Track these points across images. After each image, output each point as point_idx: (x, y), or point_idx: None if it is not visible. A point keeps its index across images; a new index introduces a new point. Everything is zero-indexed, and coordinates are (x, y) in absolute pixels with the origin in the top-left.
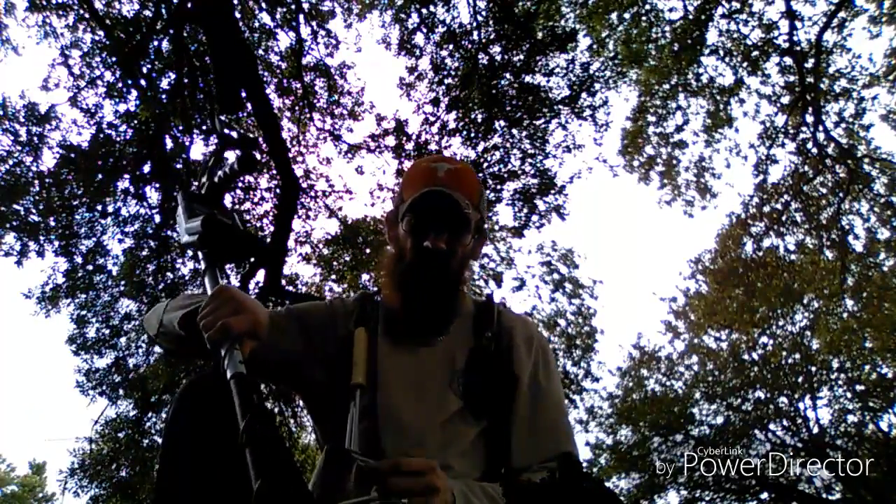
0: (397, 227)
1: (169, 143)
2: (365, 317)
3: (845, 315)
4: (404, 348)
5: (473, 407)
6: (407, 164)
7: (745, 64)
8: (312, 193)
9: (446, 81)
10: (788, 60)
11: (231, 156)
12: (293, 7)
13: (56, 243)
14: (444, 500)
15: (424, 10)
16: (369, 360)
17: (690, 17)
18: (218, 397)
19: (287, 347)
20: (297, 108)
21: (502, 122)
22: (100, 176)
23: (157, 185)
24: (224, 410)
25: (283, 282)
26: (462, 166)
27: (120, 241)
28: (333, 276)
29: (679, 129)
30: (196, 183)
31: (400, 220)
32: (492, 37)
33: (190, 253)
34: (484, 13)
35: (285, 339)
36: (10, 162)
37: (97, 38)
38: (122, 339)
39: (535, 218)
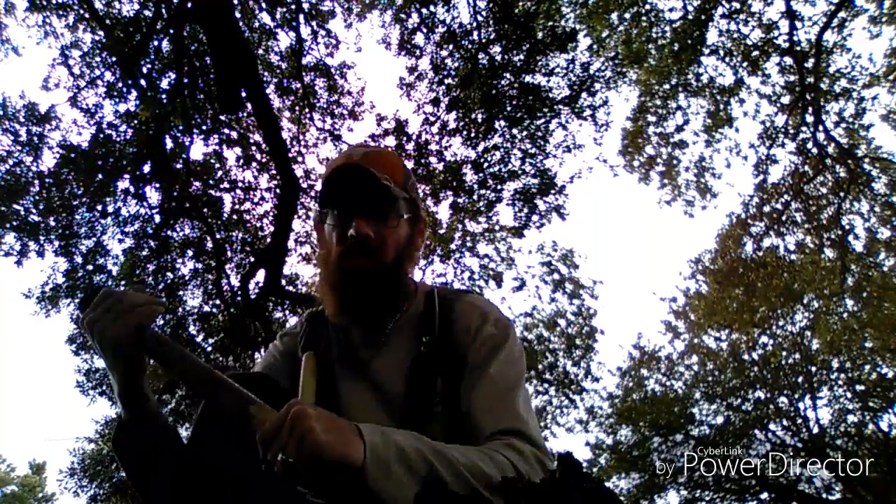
0: (323, 227)
1: (169, 143)
2: (314, 339)
3: (845, 315)
4: (356, 364)
5: (419, 425)
6: (409, 165)
7: (745, 64)
8: (312, 193)
9: (446, 81)
10: (788, 60)
11: None
12: (293, 7)
13: (56, 243)
14: (325, 427)
15: (424, 10)
16: (324, 384)
17: (690, 17)
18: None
19: None
20: (297, 108)
21: (502, 122)
22: (100, 176)
23: (157, 185)
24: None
25: (283, 282)
26: (381, 150)
27: (120, 241)
28: None
29: (679, 129)
30: None
31: (322, 221)
32: (492, 37)
33: (190, 253)
34: (484, 13)
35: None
36: (10, 162)
37: (97, 38)
38: None
39: (535, 218)
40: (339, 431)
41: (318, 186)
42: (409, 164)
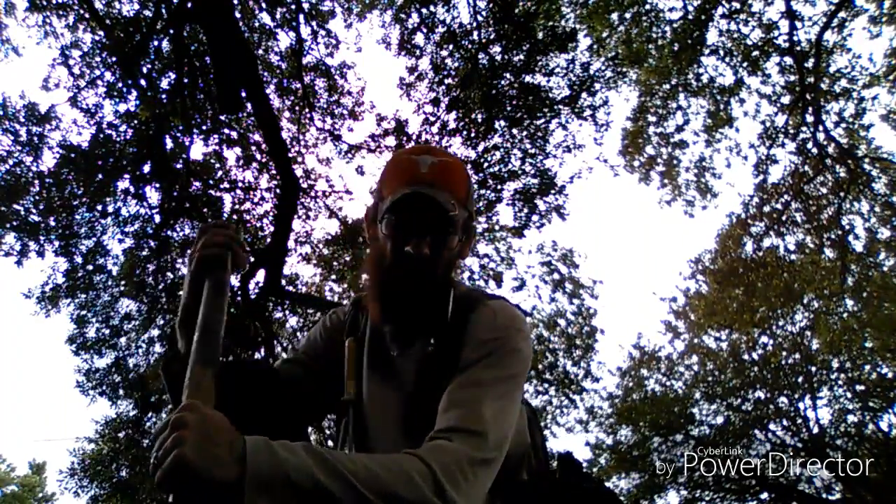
0: (377, 227)
1: (169, 143)
2: (355, 325)
3: (845, 315)
4: (384, 359)
5: (425, 425)
6: None
7: (745, 64)
8: (312, 193)
9: (446, 81)
10: (788, 60)
11: None
12: (293, 7)
13: (56, 243)
14: (199, 440)
15: (424, 10)
16: (357, 372)
17: (690, 17)
18: (248, 384)
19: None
20: (297, 108)
21: (502, 122)
22: (100, 176)
23: (157, 185)
24: (253, 397)
25: (283, 282)
26: (448, 159)
27: (120, 241)
28: (333, 276)
29: (679, 129)
30: None
31: (379, 220)
32: (492, 37)
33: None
34: (484, 13)
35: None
36: (10, 162)
37: (97, 38)
38: (122, 339)
39: (535, 218)
40: (213, 447)
41: (382, 176)
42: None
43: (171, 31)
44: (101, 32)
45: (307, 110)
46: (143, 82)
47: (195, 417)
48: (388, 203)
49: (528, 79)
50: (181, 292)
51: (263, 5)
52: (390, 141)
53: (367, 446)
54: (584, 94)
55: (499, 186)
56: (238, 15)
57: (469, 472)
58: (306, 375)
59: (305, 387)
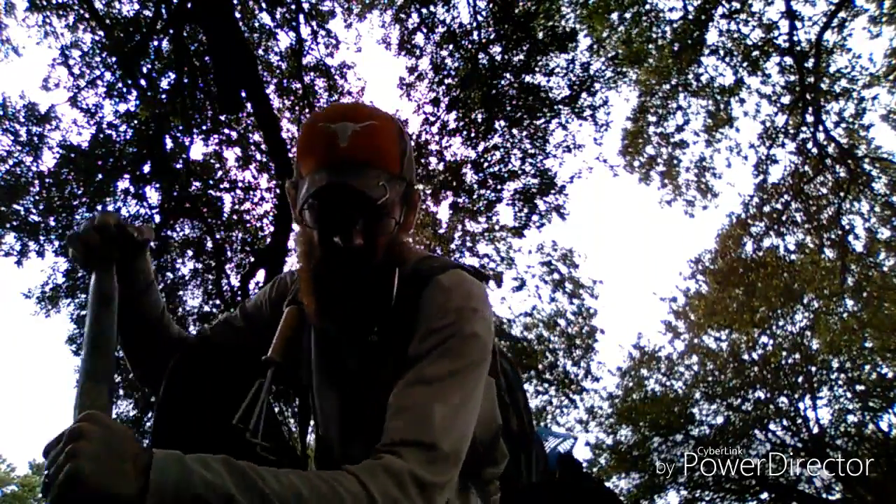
0: (300, 212)
1: (169, 143)
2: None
3: (845, 315)
4: (329, 350)
5: (368, 417)
6: None
7: (745, 64)
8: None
9: (446, 81)
10: (788, 60)
11: None
12: (293, 7)
13: (56, 243)
14: (96, 454)
15: (424, 10)
16: (291, 339)
17: (690, 17)
18: (211, 365)
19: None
20: (297, 108)
21: (502, 122)
22: (100, 176)
23: (157, 185)
24: (217, 378)
25: None
26: (373, 120)
27: None
28: None
29: (679, 129)
30: None
31: (301, 207)
32: (492, 37)
33: (190, 253)
34: (484, 13)
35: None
36: (10, 162)
37: (97, 38)
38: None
39: (535, 218)
40: (114, 459)
41: (297, 147)
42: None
43: (171, 31)
44: (101, 32)
45: (307, 110)
46: (143, 82)
47: (94, 428)
48: (305, 191)
49: (528, 79)
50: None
51: (263, 5)
52: None
53: (319, 427)
54: (584, 94)
55: (499, 186)
56: (238, 15)
57: (417, 499)
58: (240, 340)
59: (238, 352)
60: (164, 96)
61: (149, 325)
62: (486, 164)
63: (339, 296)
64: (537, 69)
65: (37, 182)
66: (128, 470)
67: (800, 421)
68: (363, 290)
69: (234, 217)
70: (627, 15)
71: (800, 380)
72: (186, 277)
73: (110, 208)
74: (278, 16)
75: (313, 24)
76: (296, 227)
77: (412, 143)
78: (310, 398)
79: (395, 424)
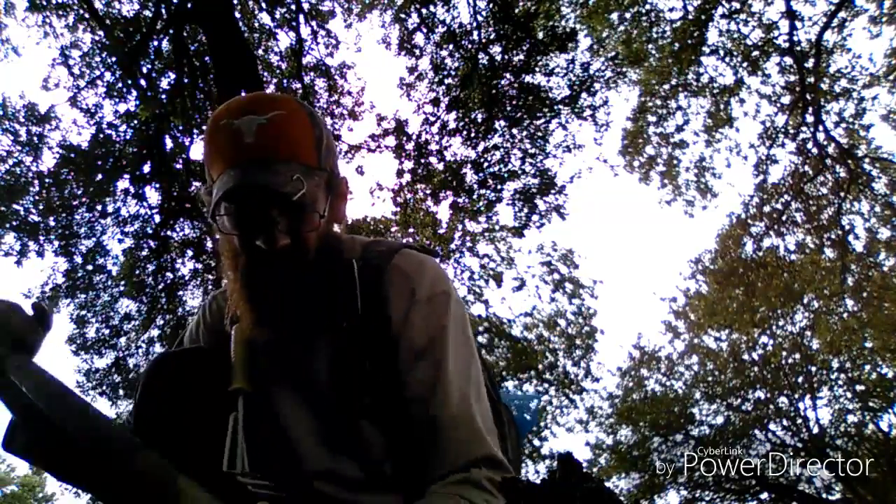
0: (216, 218)
1: (169, 143)
2: None
3: (845, 315)
4: (280, 361)
5: (347, 422)
6: (407, 165)
7: (745, 64)
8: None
9: (446, 81)
10: (788, 60)
11: None
12: (293, 7)
13: (56, 243)
14: None
15: (424, 10)
16: (248, 361)
17: (690, 17)
18: (188, 370)
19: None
20: None
21: (502, 122)
22: (100, 176)
23: (157, 185)
24: (194, 383)
25: None
26: (280, 110)
27: (120, 241)
28: None
29: (679, 129)
30: None
31: (215, 213)
32: (492, 37)
33: (190, 253)
34: (484, 13)
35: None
36: (10, 162)
37: (97, 38)
38: (122, 339)
39: (535, 218)
40: None
41: (204, 146)
42: (409, 165)
43: (171, 31)
44: (101, 32)
45: None
46: (143, 82)
47: None
48: (215, 195)
49: (528, 79)
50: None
51: (263, 5)
52: (390, 141)
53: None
54: (584, 94)
55: (499, 186)
56: (238, 15)
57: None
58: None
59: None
60: (164, 96)
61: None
62: (486, 164)
63: (273, 300)
64: (537, 69)
65: (37, 182)
66: None
67: (800, 421)
68: (300, 291)
69: None
70: (627, 15)
71: (800, 380)
72: (186, 277)
73: (110, 208)
74: (278, 16)
75: (313, 24)
76: (217, 235)
77: (328, 129)
78: (240, 403)
79: (451, 447)
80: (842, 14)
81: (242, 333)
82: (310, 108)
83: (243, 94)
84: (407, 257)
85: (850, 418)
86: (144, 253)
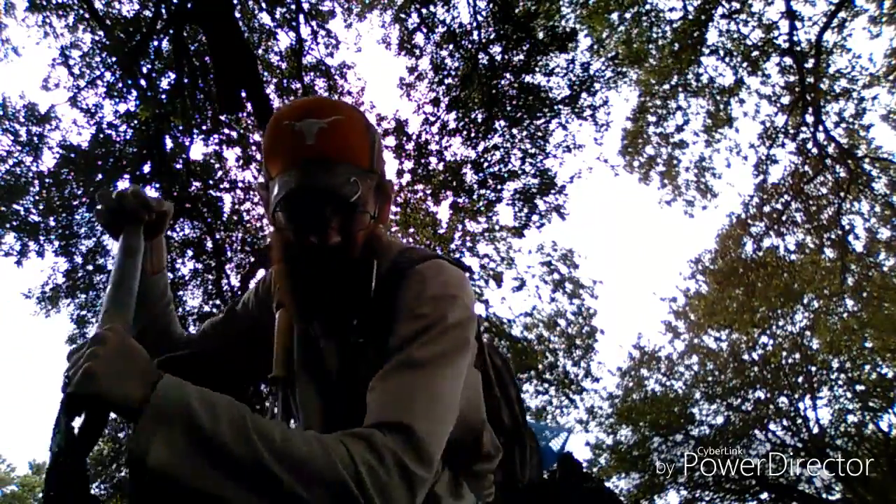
0: (273, 214)
1: (169, 143)
2: None
3: (845, 315)
4: (309, 344)
5: (351, 414)
6: (407, 165)
7: (745, 64)
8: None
9: (446, 81)
10: (788, 60)
11: None
12: (293, 7)
13: (56, 243)
14: (110, 361)
15: (424, 10)
16: (287, 348)
17: (690, 17)
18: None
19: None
20: None
21: (502, 122)
22: (100, 176)
23: (157, 185)
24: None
25: None
26: (339, 115)
27: None
28: None
29: (679, 129)
30: None
31: (273, 210)
32: (492, 37)
33: (190, 253)
34: (484, 13)
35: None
36: (10, 162)
37: (97, 38)
38: None
39: (535, 218)
40: (126, 365)
41: (263, 147)
42: (409, 165)
43: (171, 31)
44: (101, 32)
45: None
46: (143, 82)
47: (114, 337)
48: (276, 194)
49: (528, 79)
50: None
51: (263, 5)
52: (390, 141)
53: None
54: (584, 94)
55: (499, 186)
56: (238, 15)
57: (394, 473)
58: (223, 342)
59: (220, 359)
60: (164, 96)
61: (152, 313)
62: (486, 164)
63: (320, 295)
64: (537, 69)
65: (37, 182)
66: (135, 377)
67: (800, 421)
68: (342, 286)
69: (234, 217)
70: (627, 15)
71: (800, 380)
72: (186, 277)
73: None
74: (278, 16)
75: (313, 24)
76: (270, 228)
77: (379, 134)
78: (292, 394)
79: (374, 407)
80: (842, 14)
81: (285, 322)
82: (364, 114)
83: (244, 95)
84: (432, 265)
85: (850, 418)
86: None
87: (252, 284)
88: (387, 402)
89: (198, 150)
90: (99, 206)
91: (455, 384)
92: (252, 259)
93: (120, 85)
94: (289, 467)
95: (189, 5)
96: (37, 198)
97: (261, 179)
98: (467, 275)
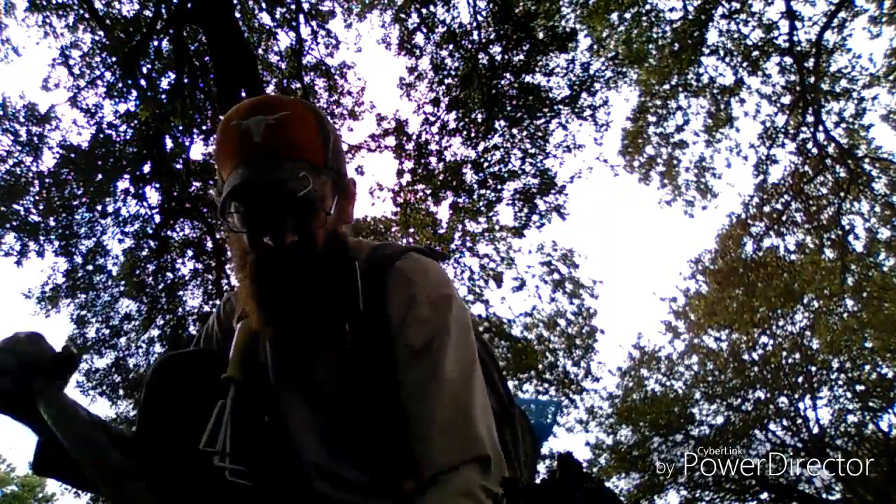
0: (226, 218)
1: (169, 143)
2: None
3: (845, 315)
4: (288, 361)
5: (355, 431)
6: (407, 165)
7: (745, 64)
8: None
9: (446, 81)
10: (788, 60)
11: None
12: (293, 7)
13: (56, 243)
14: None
15: (424, 10)
16: (247, 353)
17: (690, 17)
18: (191, 373)
19: None
20: None
21: (502, 122)
22: (100, 176)
23: (157, 185)
24: (197, 386)
25: None
26: (287, 111)
27: (120, 241)
28: None
29: (679, 129)
30: None
31: (225, 212)
32: (492, 37)
33: (190, 253)
34: (484, 13)
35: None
36: (10, 162)
37: (97, 38)
38: (122, 339)
39: (535, 218)
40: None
41: (215, 147)
42: (409, 165)
43: (171, 31)
44: (101, 32)
45: None
46: (143, 82)
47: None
48: (224, 191)
49: (528, 79)
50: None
51: (263, 5)
52: (390, 141)
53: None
54: (584, 94)
55: (499, 186)
56: (238, 15)
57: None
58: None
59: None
60: (164, 96)
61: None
62: (486, 164)
63: (283, 298)
64: (537, 69)
65: (37, 182)
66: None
67: (800, 421)
68: (309, 289)
69: None
70: (627, 15)
71: (800, 380)
72: (186, 277)
73: (110, 208)
74: (278, 16)
75: (313, 24)
76: (226, 234)
77: (337, 132)
78: (231, 390)
79: (443, 445)
80: (842, 14)
81: (248, 328)
82: (318, 109)
83: (244, 95)
84: (410, 260)
85: (850, 418)
86: (144, 253)
87: (208, 322)
88: (452, 437)
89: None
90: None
91: (483, 384)
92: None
93: (120, 85)
94: None
95: (189, 5)
96: (37, 198)
97: (215, 186)
98: (442, 263)
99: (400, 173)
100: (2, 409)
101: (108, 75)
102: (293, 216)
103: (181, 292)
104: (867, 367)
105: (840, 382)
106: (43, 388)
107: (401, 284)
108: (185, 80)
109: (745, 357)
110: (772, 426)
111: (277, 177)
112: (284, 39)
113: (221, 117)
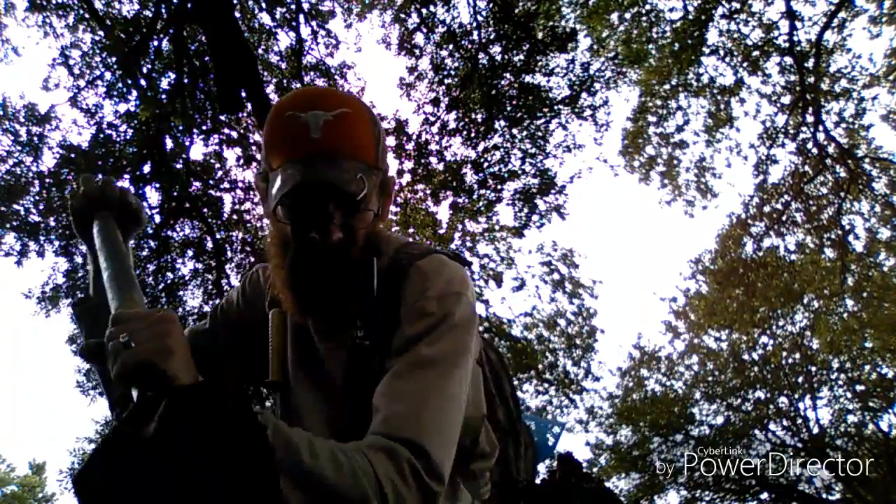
0: (270, 206)
1: (169, 143)
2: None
3: (845, 315)
4: (307, 348)
5: (358, 422)
6: (407, 165)
7: (745, 64)
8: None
9: (446, 81)
10: (788, 60)
11: None
12: (293, 7)
13: (56, 243)
14: (178, 346)
15: (424, 10)
16: (282, 351)
17: (690, 17)
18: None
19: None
20: None
21: (502, 122)
22: (100, 176)
23: (157, 185)
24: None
25: None
26: (345, 108)
27: None
28: None
29: (679, 129)
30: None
31: (273, 202)
32: (492, 37)
33: (190, 253)
34: (484, 13)
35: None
36: (11, 162)
37: (97, 38)
38: None
39: (535, 218)
40: (185, 357)
41: (265, 137)
42: (409, 165)
43: (171, 31)
44: (101, 32)
45: None
46: (143, 82)
47: (181, 332)
48: (279, 188)
49: (528, 79)
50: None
51: (263, 5)
52: (390, 141)
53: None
54: (584, 94)
55: (499, 186)
56: (238, 15)
57: (413, 488)
58: (213, 347)
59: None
60: (164, 96)
61: None
62: (486, 164)
63: (320, 290)
64: (537, 69)
65: (37, 182)
66: (191, 368)
67: (800, 421)
68: (343, 283)
69: (234, 217)
70: (627, 15)
71: (800, 380)
72: (186, 277)
73: None
74: (278, 16)
75: (313, 24)
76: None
77: (384, 129)
78: (277, 395)
79: (387, 412)
80: (842, 14)
81: (278, 322)
82: (371, 108)
83: (244, 95)
84: (433, 261)
85: (850, 418)
86: (144, 253)
87: (229, 293)
88: (398, 411)
89: (198, 150)
90: (81, 189)
91: (464, 383)
92: (252, 259)
93: (120, 85)
94: (317, 484)
95: (189, 5)
96: (37, 198)
97: (258, 170)
98: (467, 269)
99: (400, 173)
100: (73, 221)
101: (108, 75)
102: (342, 214)
103: (181, 292)
104: (867, 367)
105: (840, 382)
106: (104, 217)
107: (416, 281)
108: (185, 80)
109: (745, 357)
110: (772, 426)
111: (336, 177)
112: (284, 39)
113: (275, 100)
